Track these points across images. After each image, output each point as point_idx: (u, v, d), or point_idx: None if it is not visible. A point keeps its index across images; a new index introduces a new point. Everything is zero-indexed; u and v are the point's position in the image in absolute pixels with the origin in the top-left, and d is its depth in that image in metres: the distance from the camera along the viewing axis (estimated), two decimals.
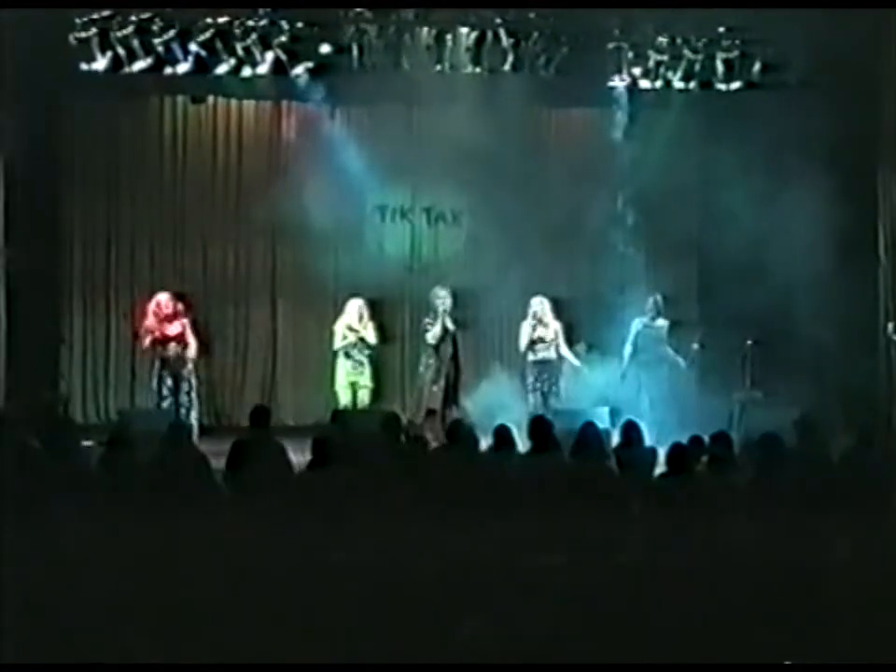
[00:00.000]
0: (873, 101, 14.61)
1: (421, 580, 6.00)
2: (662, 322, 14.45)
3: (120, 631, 5.55)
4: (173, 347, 14.18)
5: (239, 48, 14.60)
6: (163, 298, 14.31)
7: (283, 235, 15.15)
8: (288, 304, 15.49)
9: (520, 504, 7.76)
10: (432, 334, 14.37)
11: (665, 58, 15.01)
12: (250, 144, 15.46)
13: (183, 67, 14.60)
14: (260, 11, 14.54)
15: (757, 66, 15.00)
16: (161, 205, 15.21)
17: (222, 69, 14.69)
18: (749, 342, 14.34)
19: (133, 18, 14.35)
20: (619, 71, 15.02)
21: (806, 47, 14.57)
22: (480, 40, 14.85)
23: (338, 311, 14.72)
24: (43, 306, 14.58)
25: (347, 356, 14.59)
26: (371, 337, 14.63)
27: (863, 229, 14.69)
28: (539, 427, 8.99)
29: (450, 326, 14.40)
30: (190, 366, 14.31)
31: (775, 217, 13.85)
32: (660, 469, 9.04)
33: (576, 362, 14.32)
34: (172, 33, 14.46)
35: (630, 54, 14.97)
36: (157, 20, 14.40)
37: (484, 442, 9.52)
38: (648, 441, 9.90)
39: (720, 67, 15.05)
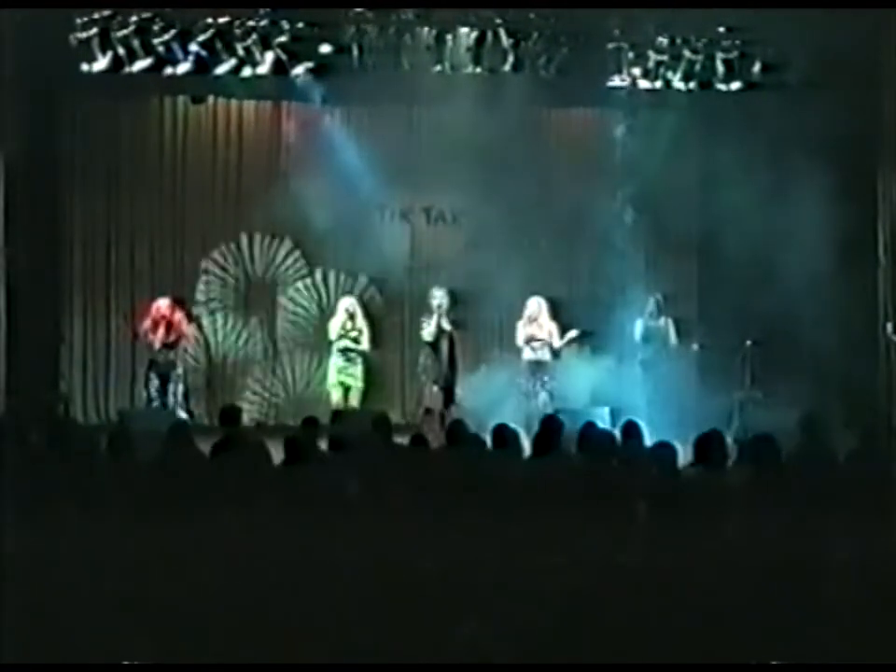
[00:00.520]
0: (873, 101, 14.63)
1: (421, 579, 6.00)
2: (664, 321, 14.47)
3: (120, 631, 5.55)
4: (164, 350, 14.30)
5: (239, 48, 14.61)
6: (164, 303, 14.48)
7: (282, 235, 15.17)
8: (288, 304, 15.51)
9: (528, 504, 7.73)
10: (428, 332, 14.41)
11: (665, 58, 15.03)
12: (250, 144, 15.48)
13: (183, 67, 14.60)
14: (261, 11, 14.55)
15: (757, 66, 15.02)
16: (161, 205, 15.23)
17: (222, 69, 14.70)
18: (749, 341, 14.36)
19: (134, 18, 14.35)
20: (619, 71, 15.03)
21: (806, 47, 14.58)
22: (480, 40, 14.86)
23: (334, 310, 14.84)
24: (43, 306, 14.60)
25: (338, 355, 14.64)
26: (363, 337, 14.67)
27: (863, 229, 14.70)
28: (548, 426, 8.98)
29: (446, 325, 14.42)
30: (180, 370, 14.45)
31: (775, 216, 13.88)
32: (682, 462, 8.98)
33: (562, 343, 14.32)
34: (172, 33, 14.47)
35: (630, 54, 14.99)
36: (157, 20, 14.41)
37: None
38: (648, 442, 9.88)
39: (720, 67, 15.07)
